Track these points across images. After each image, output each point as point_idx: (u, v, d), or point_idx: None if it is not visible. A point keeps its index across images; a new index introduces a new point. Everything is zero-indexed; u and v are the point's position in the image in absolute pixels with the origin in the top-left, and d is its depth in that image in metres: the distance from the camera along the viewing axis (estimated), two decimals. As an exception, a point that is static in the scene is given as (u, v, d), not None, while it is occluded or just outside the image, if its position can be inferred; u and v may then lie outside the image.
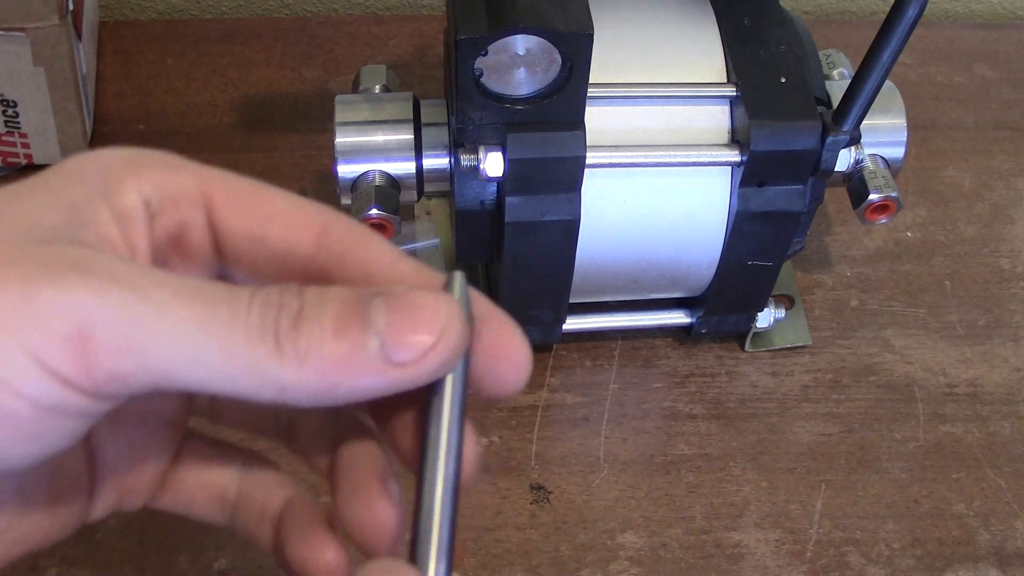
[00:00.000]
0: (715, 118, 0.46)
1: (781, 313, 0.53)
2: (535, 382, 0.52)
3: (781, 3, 0.48)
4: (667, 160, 0.45)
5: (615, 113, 0.45)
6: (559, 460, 0.50)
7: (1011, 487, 0.51)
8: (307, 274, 0.25)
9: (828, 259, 0.59)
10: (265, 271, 0.26)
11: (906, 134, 0.49)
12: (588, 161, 0.43)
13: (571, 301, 0.49)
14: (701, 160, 0.45)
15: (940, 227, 0.61)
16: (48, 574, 0.44)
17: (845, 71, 0.52)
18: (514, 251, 0.45)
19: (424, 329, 0.22)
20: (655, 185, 0.46)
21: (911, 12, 0.40)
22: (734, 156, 0.45)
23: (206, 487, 0.29)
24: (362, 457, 0.27)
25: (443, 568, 0.24)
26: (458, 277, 0.25)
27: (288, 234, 0.25)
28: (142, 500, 0.29)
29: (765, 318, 0.52)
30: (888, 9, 0.40)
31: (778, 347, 0.55)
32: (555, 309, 0.49)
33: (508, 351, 0.25)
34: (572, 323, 0.51)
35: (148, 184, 0.25)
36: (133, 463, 0.28)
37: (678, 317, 0.53)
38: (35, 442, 0.22)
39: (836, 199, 0.59)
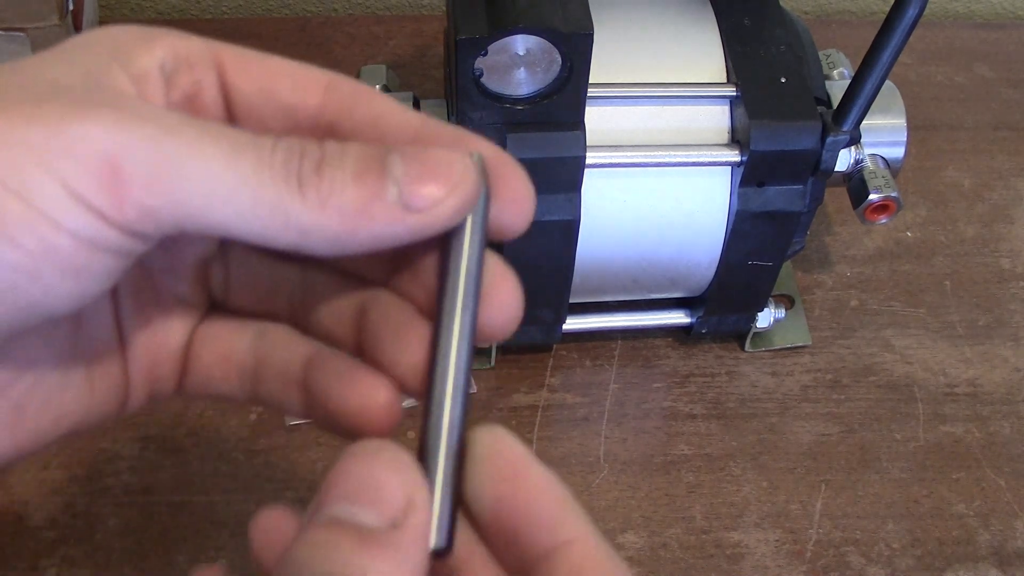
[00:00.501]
0: (715, 118, 0.46)
1: (781, 313, 0.53)
2: (535, 382, 0.52)
3: (781, 3, 0.48)
4: (667, 160, 0.45)
5: (615, 113, 0.45)
6: (559, 460, 0.50)
7: (1011, 487, 0.51)
8: (315, 127, 0.26)
9: (828, 259, 0.59)
10: (274, 126, 0.26)
11: (906, 134, 0.49)
12: (588, 161, 0.43)
13: (571, 301, 0.49)
14: (701, 160, 0.45)
15: (940, 227, 0.61)
16: (48, 574, 0.44)
17: (845, 71, 0.52)
18: (514, 251, 0.45)
19: (439, 180, 0.23)
20: (655, 185, 0.46)
21: (911, 12, 0.40)
22: (734, 156, 0.45)
23: (223, 360, 0.29)
24: (393, 308, 0.27)
25: (454, 438, 0.24)
26: (477, 156, 0.25)
27: (296, 90, 0.26)
28: (171, 385, 0.29)
29: (765, 318, 0.52)
30: (888, 9, 0.40)
31: (778, 347, 0.55)
32: (555, 309, 0.49)
33: (514, 192, 0.26)
34: (572, 323, 0.51)
35: (161, 50, 0.25)
36: (156, 340, 0.28)
37: (678, 317, 0.53)
38: (76, 278, 0.22)
39: (836, 199, 0.59)
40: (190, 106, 0.26)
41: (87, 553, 0.45)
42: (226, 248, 0.28)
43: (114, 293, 0.27)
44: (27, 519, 0.46)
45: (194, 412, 0.50)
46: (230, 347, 0.29)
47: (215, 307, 0.30)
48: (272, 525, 0.24)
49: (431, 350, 0.25)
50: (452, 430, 0.24)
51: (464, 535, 0.25)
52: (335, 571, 0.21)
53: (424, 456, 0.24)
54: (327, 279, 0.28)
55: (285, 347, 0.28)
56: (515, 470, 0.24)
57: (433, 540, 0.23)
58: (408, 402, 0.28)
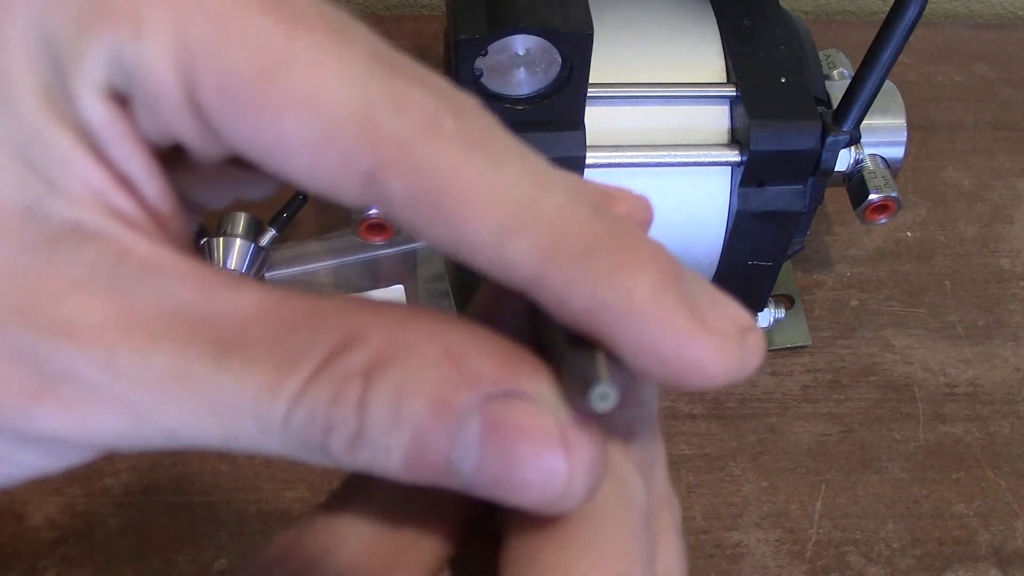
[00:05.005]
0: (715, 118, 0.46)
1: (781, 313, 0.53)
2: (535, 382, 0.52)
3: (781, 3, 0.48)
4: (667, 160, 0.45)
5: (615, 113, 0.45)
6: (559, 460, 0.50)
7: (1011, 487, 0.51)
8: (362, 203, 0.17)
9: (828, 259, 0.59)
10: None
11: (906, 134, 0.49)
12: (588, 161, 0.43)
13: (571, 301, 0.49)
14: (701, 160, 0.45)
15: (940, 227, 0.61)
16: (48, 574, 0.44)
17: (845, 71, 0.52)
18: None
19: (525, 485, 0.17)
20: (655, 185, 0.46)
21: (911, 12, 0.40)
22: (734, 156, 0.45)
23: None
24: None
25: None
26: (601, 386, 0.16)
27: (319, 167, 0.16)
28: None
29: (765, 318, 0.52)
30: (888, 9, 0.40)
31: (778, 347, 0.55)
32: (555, 309, 0.49)
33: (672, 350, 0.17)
34: (572, 323, 0.51)
35: (105, 61, 0.16)
36: None
37: (678, 317, 0.53)
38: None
39: (836, 199, 0.59)
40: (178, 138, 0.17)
41: (87, 553, 0.45)
42: None
43: None
44: (27, 519, 0.46)
45: (194, 412, 0.50)
46: None
47: None
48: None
49: None
50: None
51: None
52: None
53: None
54: None
55: None
56: None
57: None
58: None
